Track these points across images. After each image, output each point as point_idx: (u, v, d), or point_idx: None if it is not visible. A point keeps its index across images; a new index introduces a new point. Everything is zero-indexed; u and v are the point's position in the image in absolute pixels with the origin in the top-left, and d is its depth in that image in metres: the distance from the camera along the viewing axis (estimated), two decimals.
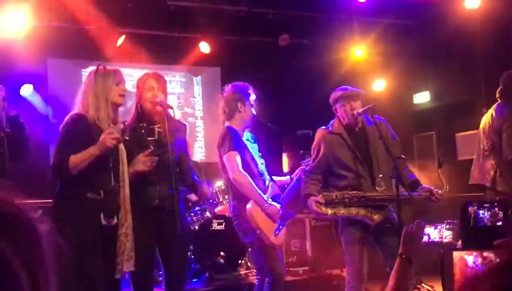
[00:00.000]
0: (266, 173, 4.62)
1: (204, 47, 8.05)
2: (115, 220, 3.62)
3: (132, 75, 8.31)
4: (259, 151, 4.71)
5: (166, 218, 3.89)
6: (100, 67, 3.85)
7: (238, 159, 4.32)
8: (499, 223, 1.74)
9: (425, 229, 2.54)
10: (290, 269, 6.66)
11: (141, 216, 3.80)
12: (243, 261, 6.64)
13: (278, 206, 4.40)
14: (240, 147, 4.41)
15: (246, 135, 4.66)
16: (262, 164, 4.62)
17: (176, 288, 4.14)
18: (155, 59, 8.24)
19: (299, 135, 7.51)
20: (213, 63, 8.49)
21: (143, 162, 3.76)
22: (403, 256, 2.37)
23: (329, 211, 4.21)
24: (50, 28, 7.11)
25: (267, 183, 4.54)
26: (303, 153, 4.72)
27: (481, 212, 1.79)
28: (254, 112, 4.66)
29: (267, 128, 7.55)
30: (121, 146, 3.68)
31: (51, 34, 7.08)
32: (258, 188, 4.33)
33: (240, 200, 4.36)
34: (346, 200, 4.20)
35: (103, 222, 3.56)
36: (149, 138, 4.00)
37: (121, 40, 7.55)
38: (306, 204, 4.34)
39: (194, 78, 8.71)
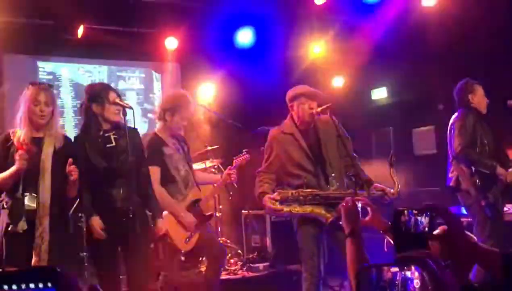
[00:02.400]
0: (190, 177, 4.97)
1: (171, 42, 7.99)
2: (24, 227, 3.83)
3: (90, 71, 8.23)
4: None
5: (129, 219, 3.97)
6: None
7: (158, 172, 4.71)
8: (426, 230, 1.80)
9: (359, 203, 2.60)
10: (251, 265, 6.70)
11: (104, 219, 4.02)
12: (203, 258, 6.63)
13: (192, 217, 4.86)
14: (160, 159, 4.76)
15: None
16: (186, 170, 4.94)
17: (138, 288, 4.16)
18: (114, 55, 8.16)
19: (260, 132, 7.54)
20: (172, 59, 8.44)
21: (16, 160, 3.83)
22: (349, 235, 2.44)
23: (285, 208, 4.26)
24: (6, 24, 6.96)
25: (187, 190, 4.90)
26: (263, 149, 4.73)
27: (412, 218, 1.85)
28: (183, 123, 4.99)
29: (227, 125, 7.60)
30: (43, 157, 3.90)
31: (7, 29, 6.93)
32: (179, 194, 4.84)
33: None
34: (301, 197, 4.26)
35: (9, 230, 3.83)
36: (108, 145, 4.11)
37: (80, 30, 7.40)
38: (261, 202, 4.38)
39: (154, 74, 8.65)
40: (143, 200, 4.19)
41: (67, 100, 8.00)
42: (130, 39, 7.86)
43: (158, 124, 5.03)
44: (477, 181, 5.25)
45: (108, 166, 4.06)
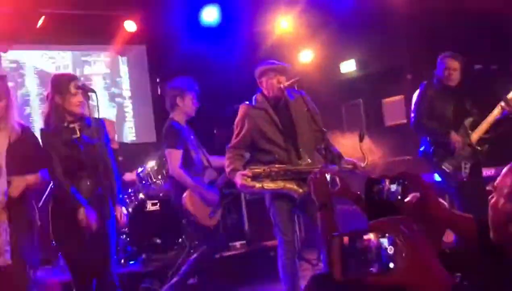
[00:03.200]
0: (204, 159, 5.21)
1: (130, 25, 7.86)
2: None
3: (54, 57, 8.07)
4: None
5: (99, 209, 3.96)
6: None
7: (179, 156, 4.94)
8: (399, 198, 1.79)
9: (328, 174, 2.60)
10: (228, 244, 6.69)
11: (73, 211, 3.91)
12: (180, 240, 6.61)
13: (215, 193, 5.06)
14: (181, 143, 4.98)
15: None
16: (201, 152, 5.23)
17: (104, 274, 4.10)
18: (77, 40, 8.00)
19: (230, 111, 7.49)
20: (138, 41, 8.31)
21: None
22: (320, 206, 2.44)
23: (257, 185, 4.24)
24: None
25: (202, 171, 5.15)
26: (233, 127, 4.71)
27: (385, 187, 1.83)
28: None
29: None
30: None
31: None
32: (197, 176, 5.02)
33: (177, 188, 5.03)
34: (273, 173, 4.24)
35: None
36: (73, 136, 4.01)
37: (40, 21, 7.27)
38: (232, 179, 4.36)
39: (120, 57, 8.51)
40: (110, 190, 4.12)
41: (32, 88, 7.85)
42: (93, 22, 7.71)
43: (173, 112, 5.22)
44: (433, 150, 5.33)
45: (74, 158, 3.97)
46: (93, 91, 4.04)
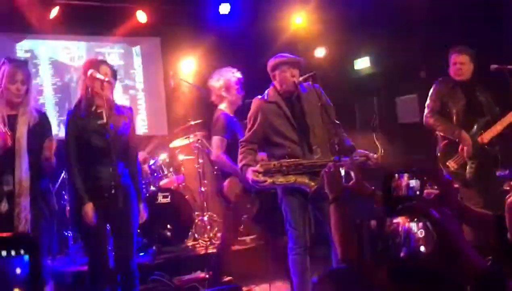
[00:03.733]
0: None
1: (141, 16, 7.86)
2: (6, 207, 3.81)
3: (69, 48, 8.08)
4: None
5: (120, 196, 4.00)
6: None
7: (223, 143, 5.18)
8: (417, 193, 1.78)
9: (342, 168, 2.59)
10: (238, 238, 6.69)
11: (93, 196, 4.00)
12: (190, 233, 6.63)
13: None
14: (229, 133, 5.19)
15: None
16: None
17: (125, 261, 4.15)
18: (92, 31, 8.02)
19: (244, 105, 7.48)
20: (152, 33, 8.31)
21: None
22: (333, 200, 2.42)
23: (268, 180, 4.22)
24: None
25: None
26: (245, 122, 4.72)
27: (403, 182, 1.82)
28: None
29: (209, 99, 7.51)
30: (18, 135, 3.86)
31: None
32: None
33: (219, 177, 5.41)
34: (284, 168, 4.22)
35: None
36: (99, 122, 4.06)
37: (54, 12, 7.30)
38: (244, 174, 4.35)
39: (133, 49, 8.51)
40: (132, 179, 4.21)
41: (46, 78, 7.87)
42: (107, 14, 7.73)
43: (221, 104, 5.43)
44: (441, 147, 5.32)
45: (98, 143, 4.02)
46: (108, 82, 4.06)
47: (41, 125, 3.99)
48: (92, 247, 4.14)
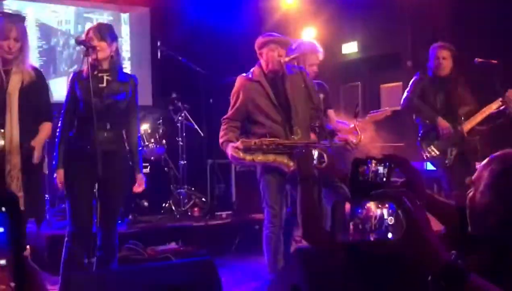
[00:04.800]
0: None
1: None
2: None
3: (57, 11, 8.00)
4: None
5: (111, 162, 4.02)
6: None
7: None
8: (383, 180, 1.82)
9: (315, 150, 2.65)
10: (214, 213, 6.75)
11: (87, 159, 3.99)
12: (167, 205, 6.66)
13: None
14: None
15: None
16: None
17: (106, 229, 4.16)
18: None
19: (229, 81, 7.48)
20: (142, 2, 8.25)
21: None
22: (301, 180, 2.48)
23: (247, 157, 4.26)
24: None
25: None
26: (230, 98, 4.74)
27: (371, 168, 1.86)
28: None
29: (195, 73, 7.52)
30: (9, 90, 3.83)
31: None
32: None
33: None
34: (264, 146, 4.24)
35: None
36: (100, 85, 4.06)
37: None
38: (225, 150, 4.39)
39: (122, 17, 8.45)
40: (130, 145, 4.21)
41: (32, 41, 7.75)
42: None
43: None
44: (421, 134, 5.41)
45: (94, 106, 3.95)
46: (92, 47, 4.01)
47: (36, 85, 3.97)
48: (74, 207, 4.07)
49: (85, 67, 4.03)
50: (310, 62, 5.08)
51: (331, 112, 5.28)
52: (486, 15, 6.44)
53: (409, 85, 5.55)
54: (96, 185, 4.08)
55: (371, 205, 1.36)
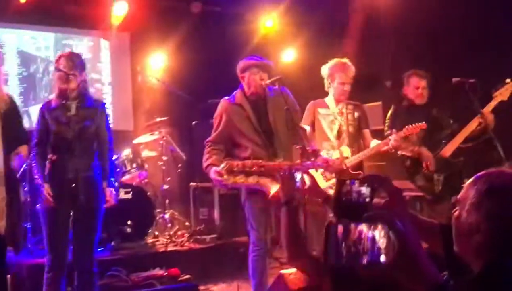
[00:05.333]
0: None
1: (119, 9, 7.74)
2: None
3: (36, 38, 7.98)
4: None
5: (84, 188, 4.08)
6: None
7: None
8: (367, 200, 1.81)
9: (298, 172, 2.63)
10: (198, 237, 6.71)
11: (60, 187, 4.06)
12: (150, 230, 6.60)
13: None
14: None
15: None
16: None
17: (82, 257, 4.15)
18: (61, 22, 7.92)
19: (210, 104, 7.48)
20: (122, 27, 8.25)
21: None
22: (285, 203, 2.47)
23: (230, 179, 4.27)
24: None
25: None
26: (212, 121, 4.74)
27: (355, 188, 1.85)
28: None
29: (177, 96, 7.52)
30: None
31: None
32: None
33: None
34: (247, 169, 4.25)
35: None
36: (68, 114, 4.12)
37: None
38: (208, 174, 4.39)
39: (102, 43, 8.44)
40: (102, 170, 4.28)
41: (12, 68, 7.74)
42: (78, 5, 7.65)
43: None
44: (407, 165, 5.41)
45: (65, 135, 4.07)
46: (73, 75, 4.08)
47: (13, 111, 4.06)
48: (51, 236, 4.11)
49: (53, 97, 4.15)
50: (341, 81, 5.19)
51: (366, 132, 5.26)
52: (464, 35, 6.54)
53: (387, 119, 5.53)
54: (72, 212, 4.13)
55: (363, 227, 1.35)
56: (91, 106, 4.23)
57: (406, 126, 5.05)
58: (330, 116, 5.16)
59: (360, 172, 5.10)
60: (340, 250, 1.36)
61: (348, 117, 5.15)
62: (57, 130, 4.10)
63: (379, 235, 1.33)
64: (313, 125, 5.19)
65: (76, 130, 4.10)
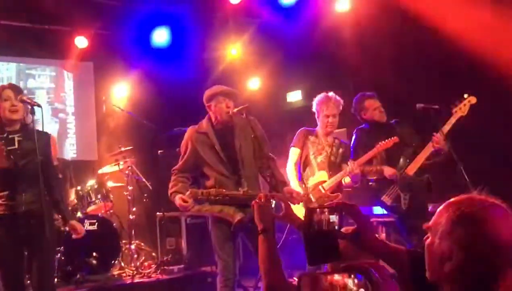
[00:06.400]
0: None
1: (81, 41, 7.72)
2: None
3: None
4: None
5: (34, 222, 3.96)
6: None
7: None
8: (336, 228, 1.81)
9: (273, 200, 2.62)
10: (165, 267, 6.62)
11: (9, 223, 3.96)
12: (116, 262, 6.49)
13: None
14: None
15: None
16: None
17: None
18: (24, 52, 7.84)
19: (175, 133, 7.46)
20: (85, 57, 8.19)
21: None
22: (262, 231, 2.45)
23: (195, 207, 4.28)
24: None
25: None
26: (179, 150, 4.72)
27: (324, 216, 1.85)
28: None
29: (142, 126, 7.47)
30: None
31: None
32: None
33: None
34: (212, 197, 4.23)
35: None
36: (9, 148, 4.00)
37: None
38: (173, 201, 4.37)
39: (65, 72, 8.37)
40: (53, 203, 4.16)
41: None
42: (40, 36, 7.59)
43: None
44: (374, 185, 5.48)
45: (8, 169, 3.94)
46: (39, 105, 4.00)
47: None
48: (3, 276, 4.00)
49: None
50: (325, 113, 5.33)
51: (344, 166, 5.31)
52: (424, 63, 6.69)
53: (351, 147, 5.57)
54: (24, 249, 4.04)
55: (335, 276, 1.34)
56: (35, 139, 4.01)
57: (379, 143, 5.15)
58: (319, 146, 5.36)
59: (338, 193, 5.17)
60: None
61: (333, 149, 5.34)
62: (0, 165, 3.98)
63: (352, 283, 1.31)
64: (302, 149, 5.39)
65: (20, 164, 3.99)
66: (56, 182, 4.25)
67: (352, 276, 1.31)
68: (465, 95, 5.16)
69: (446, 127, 5.12)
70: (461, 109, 5.14)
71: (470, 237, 1.67)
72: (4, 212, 3.96)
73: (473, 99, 5.14)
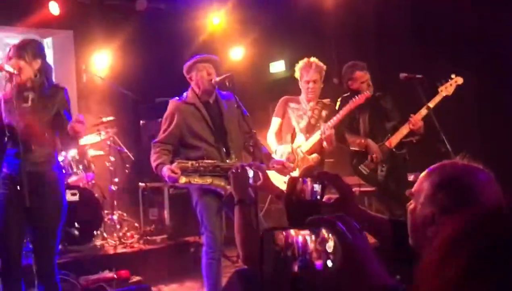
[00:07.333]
0: None
1: (54, 8, 7.55)
2: None
3: None
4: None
5: (39, 183, 3.85)
6: None
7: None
8: (318, 197, 1.80)
9: (251, 169, 2.61)
10: (148, 238, 6.62)
11: (15, 182, 3.81)
12: (98, 232, 6.48)
13: None
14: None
15: None
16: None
17: (44, 257, 3.98)
18: (3, 21, 7.68)
19: (157, 103, 7.41)
20: (65, 26, 8.04)
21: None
22: (238, 201, 2.45)
23: (184, 179, 4.18)
24: None
25: None
26: (161, 120, 4.68)
27: (307, 186, 1.85)
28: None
29: (123, 96, 7.40)
30: None
31: None
32: None
33: None
34: (202, 168, 4.20)
35: None
36: (24, 105, 3.90)
37: None
38: (160, 173, 4.30)
39: (45, 41, 8.22)
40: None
41: None
42: (19, 4, 7.43)
43: None
44: (353, 154, 5.50)
45: (18, 127, 3.80)
46: (18, 74, 3.91)
47: None
48: (1, 242, 3.89)
49: (8, 89, 3.90)
50: (305, 79, 5.22)
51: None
52: (407, 31, 6.66)
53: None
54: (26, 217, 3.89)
55: (291, 231, 1.31)
56: (50, 95, 3.96)
57: (353, 98, 5.11)
58: (300, 111, 5.24)
59: (317, 155, 5.12)
60: (278, 257, 1.32)
61: (314, 112, 5.21)
62: (10, 123, 3.86)
63: (310, 239, 1.28)
64: (283, 118, 5.28)
65: (30, 123, 3.87)
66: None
67: (307, 231, 1.27)
68: (452, 76, 5.16)
69: (430, 105, 5.13)
70: (447, 89, 5.15)
71: (453, 201, 1.67)
72: (9, 173, 3.85)
73: (460, 80, 5.15)
